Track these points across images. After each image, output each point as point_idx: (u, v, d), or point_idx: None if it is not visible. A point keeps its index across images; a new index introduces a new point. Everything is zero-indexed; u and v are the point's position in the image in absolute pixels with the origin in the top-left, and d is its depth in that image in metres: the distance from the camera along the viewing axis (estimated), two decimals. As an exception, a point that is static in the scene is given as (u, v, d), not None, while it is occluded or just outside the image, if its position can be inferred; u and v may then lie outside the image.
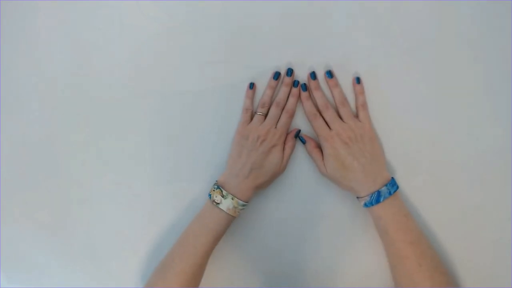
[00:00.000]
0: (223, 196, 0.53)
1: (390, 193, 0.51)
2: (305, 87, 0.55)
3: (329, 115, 0.54)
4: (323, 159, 0.55)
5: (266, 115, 0.56)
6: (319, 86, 0.56)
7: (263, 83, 0.57)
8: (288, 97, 0.56)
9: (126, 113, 0.60)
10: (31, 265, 0.61)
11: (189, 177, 0.60)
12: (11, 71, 0.60)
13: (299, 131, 0.57)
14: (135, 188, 0.60)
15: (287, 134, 0.56)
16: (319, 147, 0.56)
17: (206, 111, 0.59)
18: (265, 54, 0.57)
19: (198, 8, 0.57)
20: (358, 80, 0.55)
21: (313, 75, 0.55)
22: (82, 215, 0.61)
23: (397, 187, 0.52)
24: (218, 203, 0.53)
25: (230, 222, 0.54)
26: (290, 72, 0.56)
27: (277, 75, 0.56)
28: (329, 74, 0.55)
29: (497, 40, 0.55)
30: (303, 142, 0.57)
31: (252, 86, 0.56)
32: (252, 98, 0.57)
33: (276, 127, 0.55)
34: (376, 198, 0.51)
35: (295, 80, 0.56)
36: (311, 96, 0.56)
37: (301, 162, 0.58)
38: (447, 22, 0.55)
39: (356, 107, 0.56)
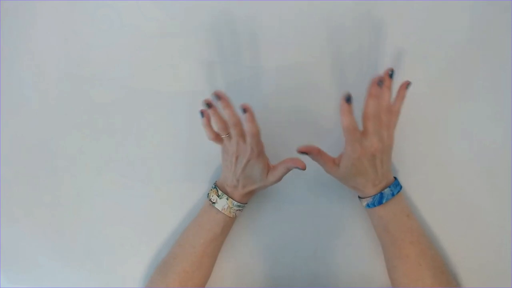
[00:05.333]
0: (218, 196, 0.53)
1: (393, 194, 0.51)
2: (349, 99, 0.45)
3: (375, 125, 0.47)
4: (334, 160, 0.52)
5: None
6: (375, 94, 0.47)
7: (263, 83, 0.57)
8: (234, 114, 0.50)
9: (126, 113, 0.60)
10: (31, 265, 0.61)
11: (190, 177, 0.60)
12: (11, 71, 0.60)
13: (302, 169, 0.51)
14: (135, 188, 0.60)
15: (285, 160, 0.52)
16: (321, 151, 0.52)
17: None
18: (265, 54, 0.57)
19: (198, 8, 0.57)
20: (408, 86, 0.52)
21: (381, 82, 0.47)
22: (82, 215, 0.61)
23: (401, 188, 0.52)
24: (214, 203, 0.54)
25: (228, 223, 0.54)
26: (216, 97, 0.50)
27: (207, 106, 0.51)
28: (392, 74, 0.50)
29: (497, 40, 0.55)
30: (305, 154, 0.51)
31: (202, 114, 0.52)
32: (209, 125, 0.53)
33: (245, 143, 0.51)
34: (379, 200, 0.51)
35: (243, 108, 0.48)
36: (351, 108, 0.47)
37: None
38: (447, 22, 0.55)
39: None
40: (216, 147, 0.58)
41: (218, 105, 0.50)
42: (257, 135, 0.50)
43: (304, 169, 0.51)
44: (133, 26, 0.58)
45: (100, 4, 0.58)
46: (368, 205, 0.52)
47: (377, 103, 0.47)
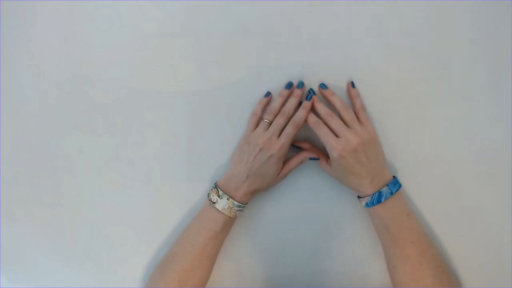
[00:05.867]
0: (219, 196, 0.53)
1: (391, 193, 0.51)
2: (310, 97, 0.54)
3: (335, 123, 0.52)
4: (327, 160, 0.55)
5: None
6: (319, 99, 0.55)
7: (263, 83, 0.57)
8: (294, 108, 0.55)
9: (126, 113, 0.60)
10: (31, 265, 0.61)
11: (190, 177, 0.60)
12: (11, 71, 0.60)
13: (317, 159, 0.56)
14: (135, 188, 0.60)
15: (303, 151, 0.56)
16: (313, 146, 0.57)
17: (206, 111, 0.59)
18: (264, 54, 0.57)
19: (197, 8, 0.57)
20: (353, 84, 0.55)
21: (312, 91, 0.55)
22: (82, 215, 0.61)
23: (400, 186, 0.52)
24: (214, 203, 0.54)
25: (229, 222, 0.55)
26: (301, 84, 0.55)
27: (289, 85, 0.55)
28: (323, 85, 0.55)
29: (497, 40, 0.55)
30: (297, 147, 0.57)
31: (268, 94, 0.56)
32: (264, 105, 0.56)
33: (278, 137, 0.53)
34: (377, 199, 0.51)
35: (308, 95, 0.54)
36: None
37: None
38: (447, 22, 0.55)
39: (355, 111, 0.54)
40: (216, 147, 0.58)
41: (294, 91, 0.55)
42: (298, 127, 0.53)
43: (318, 158, 0.56)
44: (133, 26, 0.58)
45: (100, 4, 0.58)
46: (367, 204, 0.52)
47: (322, 106, 0.53)
